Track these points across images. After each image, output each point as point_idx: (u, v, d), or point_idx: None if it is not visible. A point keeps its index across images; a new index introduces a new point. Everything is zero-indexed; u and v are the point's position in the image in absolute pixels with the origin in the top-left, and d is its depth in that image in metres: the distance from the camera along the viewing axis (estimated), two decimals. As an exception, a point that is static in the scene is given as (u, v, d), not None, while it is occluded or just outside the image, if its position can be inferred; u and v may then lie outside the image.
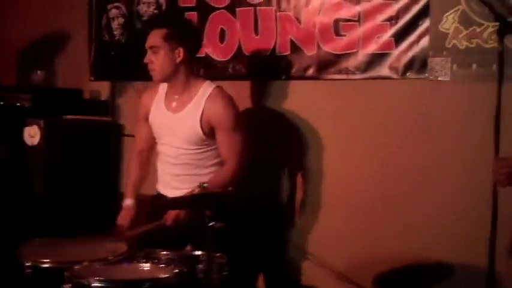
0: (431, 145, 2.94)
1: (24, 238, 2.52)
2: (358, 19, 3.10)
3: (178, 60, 2.81)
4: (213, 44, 3.52)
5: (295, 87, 3.32)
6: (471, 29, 2.81)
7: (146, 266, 2.27)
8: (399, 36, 2.99)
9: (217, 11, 3.50)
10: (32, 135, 3.53)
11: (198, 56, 3.06)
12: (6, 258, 2.49)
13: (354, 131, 3.16)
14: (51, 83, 4.14)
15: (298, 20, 3.27)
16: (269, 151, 3.30)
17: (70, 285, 2.10)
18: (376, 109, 3.09)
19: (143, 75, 2.98)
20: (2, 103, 3.79)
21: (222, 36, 3.50)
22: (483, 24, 2.78)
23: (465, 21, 2.82)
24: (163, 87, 2.96)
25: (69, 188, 3.57)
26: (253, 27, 3.39)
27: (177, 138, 2.84)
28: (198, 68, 3.44)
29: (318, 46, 3.21)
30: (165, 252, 2.37)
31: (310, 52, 3.24)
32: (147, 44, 2.82)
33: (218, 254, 2.32)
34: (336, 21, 3.16)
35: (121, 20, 3.91)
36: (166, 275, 2.16)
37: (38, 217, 3.40)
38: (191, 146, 2.84)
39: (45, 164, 3.55)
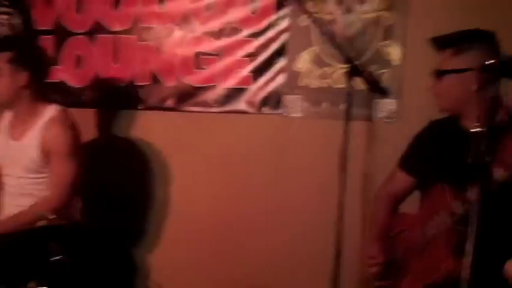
0: (284, 179, 3.02)
1: None
2: (219, 54, 3.15)
3: (21, 85, 2.67)
4: (68, 69, 3.40)
5: (152, 118, 3.29)
6: (323, 69, 2.95)
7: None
8: (257, 73, 3.08)
9: (75, 37, 3.40)
10: None
11: (52, 81, 2.94)
12: None
13: (208, 163, 3.18)
14: None
15: (159, 51, 3.26)
16: (119, 181, 3.21)
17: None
18: (232, 142, 3.14)
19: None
20: None
21: (78, 62, 3.40)
22: (333, 66, 2.93)
23: (318, 61, 2.96)
24: (8, 114, 2.80)
25: None
26: (113, 55, 3.33)
27: (18, 167, 2.69)
28: (51, 93, 3.30)
29: (178, 78, 3.21)
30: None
31: (169, 83, 3.24)
32: None
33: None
34: (197, 55, 3.19)
35: (-30, 40, 3.67)
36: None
37: None
38: (32, 174, 2.69)
39: None
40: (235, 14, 3.12)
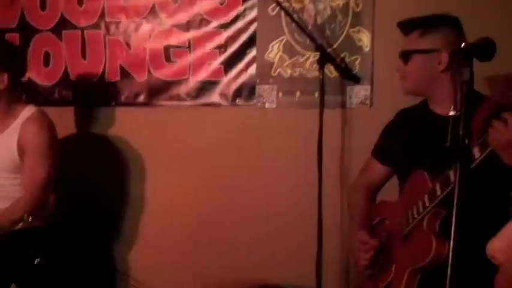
0: (261, 169, 3.02)
1: None
2: (189, 46, 3.13)
3: (1, 86, 2.63)
4: (36, 68, 3.34)
5: (125, 114, 3.26)
6: (294, 58, 2.96)
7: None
8: (228, 64, 3.06)
9: (41, 33, 3.34)
10: None
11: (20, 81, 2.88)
12: None
13: (184, 157, 3.16)
14: None
15: (128, 45, 3.23)
16: (94, 179, 3.18)
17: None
18: (207, 135, 3.12)
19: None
20: None
21: (46, 60, 3.34)
22: (305, 54, 2.94)
23: (289, 50, 2.96)
24: None
25: None
26: (81, 51, 3.28)
27: None
28: (20, 93, 3.25)
29: (149, 72, 3.18)
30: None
31: (140, 78, 3.20)
32: None
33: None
34: (167, 48, 3.16)
35: None
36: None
37: None
38: (8, 174, 2.65)
39: None
40: (203, 5, 3.10)
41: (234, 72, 3.06)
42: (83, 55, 3.28)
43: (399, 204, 2.17)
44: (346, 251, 2.69)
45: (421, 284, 2.01)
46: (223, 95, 3.09)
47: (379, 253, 2.20)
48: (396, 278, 2.09)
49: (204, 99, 3.11)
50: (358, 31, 2.83)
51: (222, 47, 3.07)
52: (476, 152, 1.81)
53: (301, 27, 2.71)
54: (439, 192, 1.91)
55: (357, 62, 2.83)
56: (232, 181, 3.08)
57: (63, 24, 3.30)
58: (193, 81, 3.12)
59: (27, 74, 3.28)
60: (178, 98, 3.15)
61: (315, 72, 2.86)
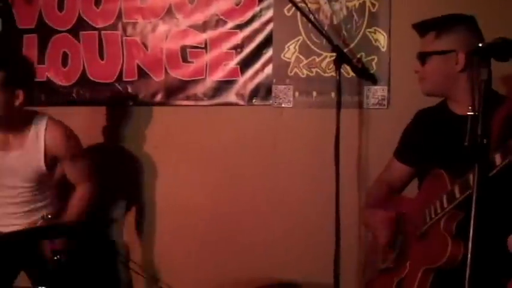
0: (277, 169, 3.04)
1: None
2: (205, 46, 3.14)
3: (17, 103, 2.63)
4: (55, 68, 3.37)
5: (142, 113, 3.29)
6: (311, 58, 2.97)
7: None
8: (244, 64, 3.08)
9: (59, 34, 3.37)
10: None
11: (39, 80, 2.92)
12: None
13: (201, 156, 3.18)
14: None
15: (145, 46, 3.25)
16: (111, 177, 3.20)
17: None
18: (224, 135, 3.14)
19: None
20: None
21: (64, 60, 3.37)
22: (321, 54, 2.94)
23: (305, 51, 2.97)
24: None
25: None
26: (98, 52, 3.31)
27: (13, 178, 2.68)
28: (39, 93, 3.30)
29: (166, 72, 3.21)
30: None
31: (157, 78, 3.23)
32: None
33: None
34: (183, 48, 3.18)
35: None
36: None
37: None
38: (30, 183, 2.70)
39: None
40: (219, 6, 3.11)
41: (250, 72, 3.07)
42: (101, 55, 3.31)
43: (417, 201, 2.17)
44: (363, 250, 2.69)
45: (433, 283, 2.01)
46: (239, 94, 3.10)
47: (395, 245, 2.20)
48: (410, 275, 2.09)
49: (221, 99, 3.13)
50: (375, 31, 2.84)
51: (239, 47, 3.09)
52: (497, 159, 1.79)
53: (317, 27, 2.72)
54: (458, 194, 1.90)
55: (373, 63, 2.84)
56: (248, 180, 3.09)
57: (80, 25, 3.33)
58: (210, 81, 3.14)
59: (46, 74, 3.33)
60: (195, 97, 3.17)
61: (331, 73, 2.88)
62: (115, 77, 3.29)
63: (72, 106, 3.20)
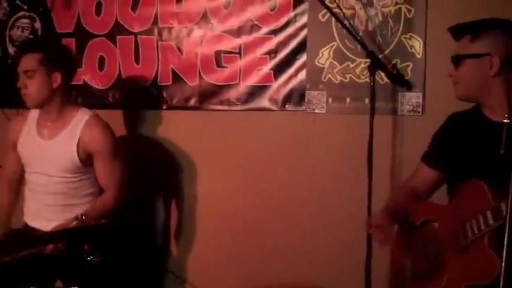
0: (309, 174, 3.03)
1: None
2: (239, 51, 3.16)
3: (55, 85, 2.72)
4: (91, 71, 3.43)
5: (176, 117, 3.31)
6: (345, 64, 2.95)
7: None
8: (278, 70, 3.08)
9: (97, 38, 3.43)
10: None
11: (76, 83, 2.98)
12: None
13: (233, 161, 3.20)
14: None
15: (180, 50, 3.28)
16: (146, 180, 3.24)
17: None
18: (256, 140, 3.16)
19: (16, 102, 2.84)
20: None
21: (101, 64, 3.43)
22: (356, 60, 2.93)
23: (339, 56, 2.96)
24: (34, 113, 2.84)
25: None
26: (134, 56, 3.35)
27: (49, 165, 2.74)
28: (76, 95, 3.36)
29: (200, 77, 3.23)
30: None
31: (192, 82, 3.25)
32: (21, 68, 2.70)
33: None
34: (218, 53, 3.20)
35: (-8, 44, 3.72)
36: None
37: None
38: (65, 173, 2.74)
39: None
40: (254, 11, 3.12)
41: (284, 77, 3.08)
42: (136, 59, 3.35)
43: (452, 210, 2.12)
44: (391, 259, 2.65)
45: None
46: (273, 100, 3.10)
47: (427, 254, 2.16)
48: (449, 290, 2.05)
49: (254, 104, 3.14)
50: (410, 37, 2.82)
51: (272, 53, 3.09)
52: None
53: (352, 33, 2.70)
54: (505, 211, 1.79)
55: (408, 69, 2.81)
56: (280, 186, 3.09)
57: (117, 30, 3.38)
58: (244, 86, 3.15)
59: (83, 78, 3.39)
60: (229, 102, 3.19)
61: (365, 79, 2.86)
62: (150, 81, 3.33)
63: (108, 109, 3.25)
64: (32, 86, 2.68)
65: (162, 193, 3.36)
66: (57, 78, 2.71)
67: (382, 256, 2.54)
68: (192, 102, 3.27)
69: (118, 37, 3.38)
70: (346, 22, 2.76)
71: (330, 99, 2.99)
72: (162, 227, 3.35)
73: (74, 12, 3.47)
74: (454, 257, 2.06)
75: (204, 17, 3.23)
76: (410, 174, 2.41)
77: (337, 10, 2.82)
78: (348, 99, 2.96)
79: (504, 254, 1.53)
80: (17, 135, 2.84)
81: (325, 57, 2.99)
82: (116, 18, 3.39)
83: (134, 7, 3.35)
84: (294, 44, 3.05)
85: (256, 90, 3.13)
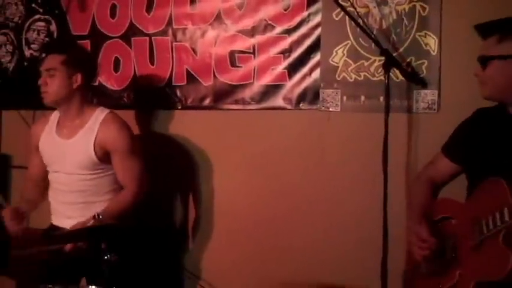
0: (323, 172, 3.02)
1: None
2: (253, 51, 3.16)
3: (75, 85, 2.79)
4: (107, 72, 3.45)
5: (192, 117, 3.33)
6: (359, 62, 2.94)
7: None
8: (292, 69, 3.08)
9: (111, 40, 3.45)
10: None
11: (92, 84, 3.02)
12: None
13: (248, 160, 3.19)
14: None
15: (194, 51, 3.29)
16: (162, 180, 3.25)
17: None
18: (271, 139, 3.15)
19: (32, 103, 2.88)
20: None
21: (116, 65, 3.45)
22: (370, 58, 2.92)
23: (353, 55, 2.95)
24: (55, 115, 2.91)
25: None
26: (149, 57, 3.37)
27: (69, 163, 2.79)
28: (91, 96, 3.38)
29: (214, 76, 3.24)
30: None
31: (206, 82, 3.27)
32: (44, 66, 2.77)
33: (113, 288, 2.26)
34: (232, 53, 3.21)
35: (9, 47, 3.76)
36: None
37: None
38: (84, 171, 2.78)
39: None
40: (268, 11, 3.13)
41: (298, 76, 3.07)
42: (151, 60, 3.37)
43: (469, 207, 2.11)
44: (407, 256, 2.64)
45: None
46: (287, 99, 3.10)
47: (440, 252, 2.15)
48: (460, 286, 2.04)
49: (268, 103, 3.14)
50: (425, 35, 2.80)
51: (286, 52, 3.09)
52: None
53: (366, 32, 2.70)
54: None
55: (423, 67, 2.80)
56: (295, 185, 3.09)
57: (132, 31, 3.41)
58: (258, 85, 3.16)
59: (98, 79, 3.42)
60: (243, 101, 3.19)
61: (380, 77, 2.85)
62: (165, 82, 3.34)
63: (123, 110, 3.26)
64: (52, 84, 2.76)
65: (178, 192, 3.37)
66: (78, 79, 2.78)
67: (398, 254, 2.54)
68: (207, 101, 3.28)
69: (133, 38, 3.41)
70: (360, 20, 2.75)
71: (345, 98, 2.98)
72: (178, 225, 3.36)
73: (89, 15, 3.51)
74: (467, 253, 2.05)
75: (218, 18, 3.23)
76: (428, 163, 2.40)
77: (351, 9, 2.82)
78: (362, 98, 2.95)
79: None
80: (39, 137, 2.92)
81: (339, 55, 2.99)
82: (131, 20, 3.41)
83: (148, 9, 3.37)
84: (308, 43, 3.05)
85: (271, 90, 3.13)
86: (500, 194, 1.94)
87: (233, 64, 3.21)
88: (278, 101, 3.12)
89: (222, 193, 3.27)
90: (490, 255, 1.95)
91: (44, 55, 2.81)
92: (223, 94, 3.23)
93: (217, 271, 3.23)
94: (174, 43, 3.33)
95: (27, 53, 3.70)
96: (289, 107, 3.10)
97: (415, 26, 2.82)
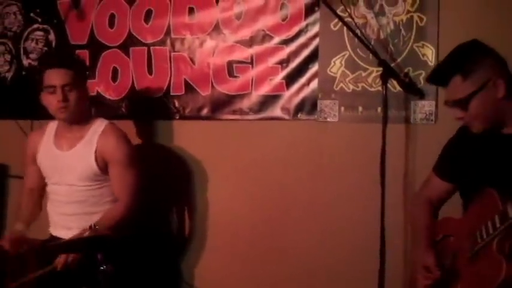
0: (321, 182, 3.03)
1: None
2: (251, 61, 3.17)
3: (87, 97, 2.83)
4: (105, 82, 3.46)
5: (189, 127, 3.33)
6: (357, 73, 2.95)
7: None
8: (290, 79, 3.08)
9: (110, 50, 3.46)
10: None
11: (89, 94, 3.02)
12: None
13: (246, 170, 3.20)
14: None
15: (192, 61, 3.30)
16: (159, 190, 3.25)
17: None
18: (269, 149, 3.15)
19: (30, 113, 2.87)
20: None
21: (114, 75, 3.45)
22: (368, 69, 2.93)
23: (351, 65, 2.96)
24: (51, 126, 2.90)
25: None
26: (147, 67, 3.38)
27: (69, 175, 2.78)
28: (89, 106, 3.38)
29: (212, 87, 3.25)
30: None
31: (204, 92, 3.27)
32: (58, 82, 2.71)
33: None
34: (230, 63, 3.21)
35: (7, 57, 3.76)
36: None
37: None
38: (85, 182, 2.78)
39: None
40: (266, 21, 3.13)
41: (296, 86, 3.08)
42: (149, 70, 3.38)
43: (465, 221, 2.11)
44: (409, 268, 2.64)
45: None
46: (285, 109, 3.10)
47: (442, 269, 2.14)
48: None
49: (266, 114, 3.14)
50: (423, 46, 2.81)
51: (284, 62, 3.10)
52: None
53: (364, 42, 2.70)
54: (511, 213, 1.83)
55: (421, 77, 2.80)
56: (293, 195, 3.09)
57: (130, 41, 3.41)
58: (256, 95, 3.16)
59: (96, 89, 3.42)
60: (241, 112, 3.19)
61: (377, 87, 2.86)
62: (163, 92, 3.34)
63: (121, 120, 3.26)
64: (73, 99, 2.72)
65: (175, 202, 3.37)
66: (88, 91, 2.84)
67: (395, 264, 2.53)
68: (205, 112, 3.28)
69: (131, 48, 3.41)
70: (358, 31, 2.76)
71: (342, 108, 2.98)
72: (174, 235, 3.35)
73: (88, 24, 3.51)
74: (465, 266, 2.05)
75: (216, 28, 3.24)
76: (423, 183, 2.40)
77: (349, 19, 2.82)
78: (360, 108, 2.95)
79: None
80: (36, 148, 2.90)
81: (337, 66, 2.99)
82: (129, 30, 3.42)
83: (147, 18, 3.38)
84: (305, 53, 3.05)
85: (269, 100, 3.13)
86: (491, 203, 1.94)
87: (231, 74, 3.21)
88: (276, 111, 3.12)
89: (219, 202, 3.27)
90: (485, 264, 1.95)
91: (47, 69, 2.74)
92: (221, 104, 3.24)
93: (213, 280, 3.22)
94: (172, 53, 3.33)
95: (26, 62, 3.70)
96: (287, 117, 3.10)
97: (413, 37, 2.83)
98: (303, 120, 3.07)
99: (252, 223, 3.17)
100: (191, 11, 3.29)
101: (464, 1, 2.75)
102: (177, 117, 3.34)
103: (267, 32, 3.13)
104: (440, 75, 2.14)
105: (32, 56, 3.69)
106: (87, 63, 3.33)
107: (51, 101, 2.73)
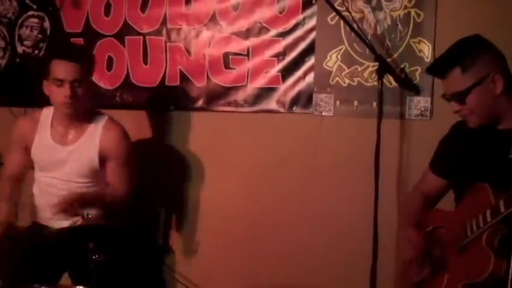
0: (315, 176, 3.02)
1: None
2: (247, 53, 3.16)
3: (93, 92, 2.79)
4: (99, 71, 3.41)
5: (183, 118, 3.31)
6: (353, 67, 2.95)
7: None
8: (286, 72, 3.08)
9: (105, 39, 3.43)
10: None
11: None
12: None
13: (240, 163, 3.19)
14: None
15: (188, 52, 3.28)
16: (152, 181, 3.23)
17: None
18: (263, 142, 3.15)
19: (24, 100, 2.84)
20: None
21: (109, 64, 3.43)
22: (364, 64, 2.92)
23: (347, 60, 2.95)
24: (46, 115, 2.83)
25: None
26: (142, 57, 3.36)
27: (68, 171, 2.75)
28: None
29: (208, 78, 3.23)
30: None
31: (199, 83, 3.25)
32: (68, 77, 2.65)
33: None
34: (226, 55, 3.20)
35: (1, 43, 3.72)
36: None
37: None
38: (84, 179, 2.76)
39: None
40: (263, 13, 3.12)
41: (291, 80, 3.07)
42: (145, 60, 3.36)
43: (457, 214, 2.13)
44: (402, 263, 2.64)
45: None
46: (280, 102, 3.10)
47: (429, 261, 2.16)
48: (447, 290, 2.05)
49: (261, 106, 3.13)
50: (419, 41, 2.81)
51: (281, 55, 3.09)
52: None
53: (360, 37, 2.70)
54: (502, 208, 1.85)
55: (417, 73, 2.81)
56: (287, 188, 3.08)
57: (126, 30, 3.39)
58: (251, 88, 3.15)
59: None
60: (236, 104, 3.18)
61: (373, 82, 2.85)
62: (158, 82, 3.33)
63: (115, 109, 3.24)
64: (81, 96, 2.67)
65: (168, 194, 3.35)
66: (93, 85, 2.82)
67: (387, 261, 2.54)
68: (200, 103, 3.26)
69: (126, 37, 3.39)
70: (354, 25, 2.76)
71: (338, 102, 2.98)
72: (167, 228, 3.34)
73: (83, 12, 3.48)
74: (454, 257, 2.07)
75: (213, 19, 3.22)
76: (420, 179, 2.41)
77: (346, 13, 2.82)
78: (355, 103, 2.95)
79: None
80: (29, 137, 2.81)
81: (333, 60, 2.99)
82: (125, 19, 3.39)
83: (143, 8, 3.36)
84: (302, 46, 3.05)
85: (264, 92, 3.13)
86: (484, 198, 1.95)
87: (227, 66, 3.20)
88: (271, 104, 3.11)
89: (213, 195, 3.25)
90: (473, 256, 1.97)
91: (55, 59, 2.69)
92: (216, 96, 3.22)
93: (207, 275, 3.21)
94: (168, 43, 3.32)
95: (20, 49, 3.66)
96: (282, 110, 3.10)
97: (410, 32, 2.83)
98: (298, 113, 3.06)
99: (244, 216, 3.16)
100: (188, 1, 3.27)
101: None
102: (172, 108, 3.33)
103: (264, 24, 3.12)
104: (439, 67, 2.15)
105: (26, 43, 3.65)
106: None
107: (57, 93, 2.66)
